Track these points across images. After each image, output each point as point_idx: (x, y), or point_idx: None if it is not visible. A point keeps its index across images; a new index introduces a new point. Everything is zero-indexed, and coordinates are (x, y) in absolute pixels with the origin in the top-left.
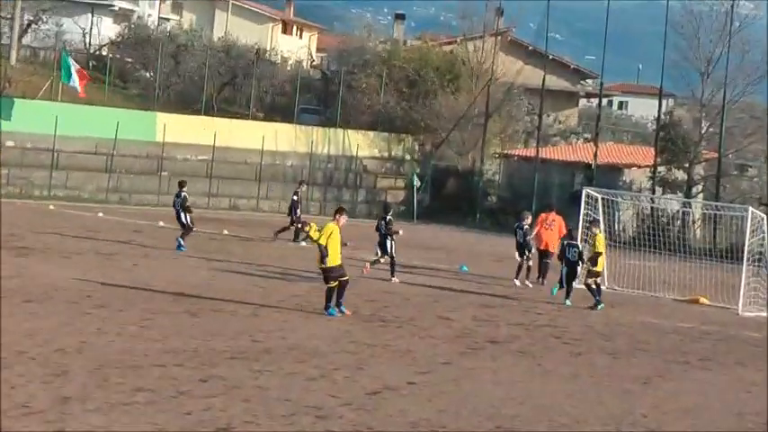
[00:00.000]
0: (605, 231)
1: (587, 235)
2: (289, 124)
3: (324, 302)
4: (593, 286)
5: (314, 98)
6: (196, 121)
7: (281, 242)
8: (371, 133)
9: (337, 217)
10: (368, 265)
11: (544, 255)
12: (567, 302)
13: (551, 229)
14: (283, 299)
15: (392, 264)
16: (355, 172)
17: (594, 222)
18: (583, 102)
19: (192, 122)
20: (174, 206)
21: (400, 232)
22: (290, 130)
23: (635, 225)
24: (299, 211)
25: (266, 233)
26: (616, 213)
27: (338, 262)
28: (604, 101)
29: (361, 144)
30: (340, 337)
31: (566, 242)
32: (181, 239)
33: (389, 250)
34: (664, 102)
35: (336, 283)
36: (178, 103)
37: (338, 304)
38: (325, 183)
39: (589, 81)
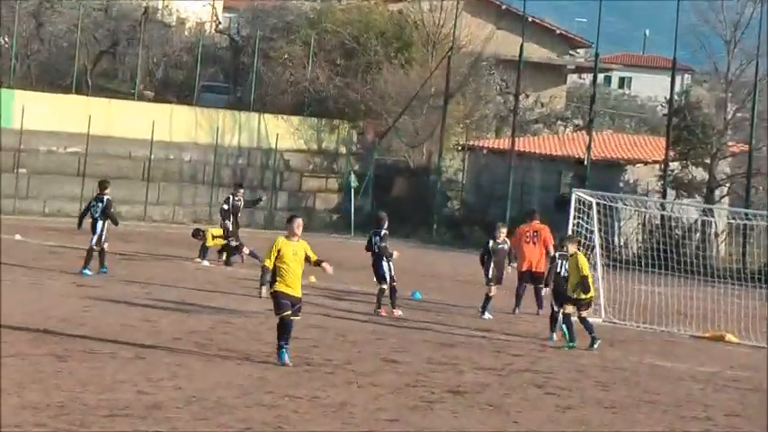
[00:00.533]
0: (602, 247)
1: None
2: (187, 107)
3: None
4: (572, 319)
5: (220, 72)
6: (65, 102)
7: (178, 262)
8: (296, 119)
9: (291, 227)
10: (382, 308)
11: (528, 277)
12: (554, 338)
13: (534, 242)
14: (179, 336)
15: (392, 291)
16: (274, 170)
17: (569, 238)
18: (572, 78)
19: (60, 103)
20: (91, 214)
21: (395, 254)
22: (188, 114)
23: (640, 239)
24: (228, 222)
25: (156, 249)
26: (616, 224)
27: (296, 293)
28: (600, 77)
29: (283, 133)
30: (253, 387)
31: (557, 254)
32: (87, 268)
33: (387, 274)
34: (678, 78)
35: (289, 312)
36: (41, 77)
37: (279, 347)
38: (235, 184)
39: (581, 51)
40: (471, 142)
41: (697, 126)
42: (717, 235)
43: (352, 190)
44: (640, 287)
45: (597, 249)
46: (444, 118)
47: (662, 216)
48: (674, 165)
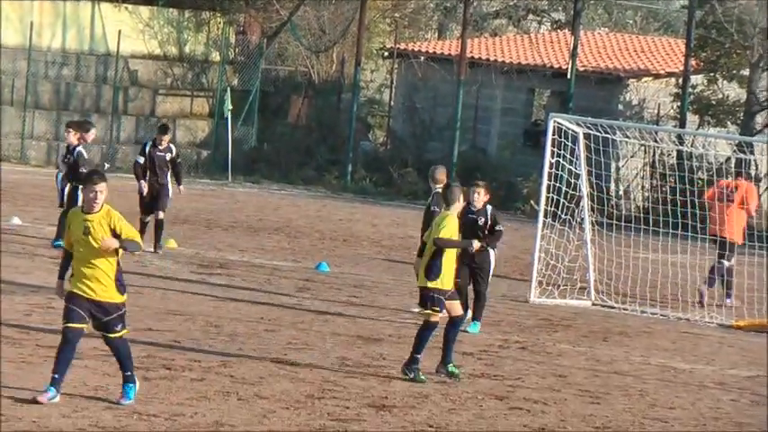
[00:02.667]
0: (592, 198)
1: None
2: None
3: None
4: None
5: None
6: None
7: None
8: (146, 10)
9: (85, 191)
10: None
11: (721, 249)
12: (475, 329)
13: (729, 203)
14: None
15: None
16: (115, 85)
17: (449, 191)
18: None
19: None
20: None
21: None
22: None
23: (649, 185)
24: (143, 183)
25: None
26: (612, 164)
27: (98, 295)
28: None
29: (127, 31)
30: (86, 400)
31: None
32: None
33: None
34: None
35: (77, 325)
36: None
37: (125, 381)
38: (57, 105)
39: None
40: (403, 46)
41: (731, 23)
42: (759, 180)
43: (229, 116)
44: (647, 256)
45: (585, 201)
46: (363, 10)
47: (679, 153)
48: (696, 79)
